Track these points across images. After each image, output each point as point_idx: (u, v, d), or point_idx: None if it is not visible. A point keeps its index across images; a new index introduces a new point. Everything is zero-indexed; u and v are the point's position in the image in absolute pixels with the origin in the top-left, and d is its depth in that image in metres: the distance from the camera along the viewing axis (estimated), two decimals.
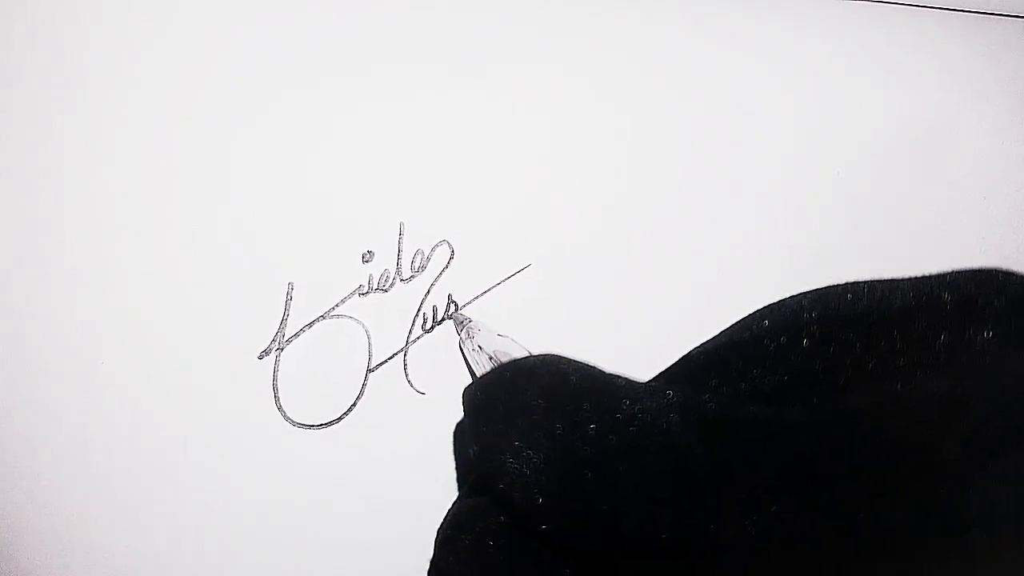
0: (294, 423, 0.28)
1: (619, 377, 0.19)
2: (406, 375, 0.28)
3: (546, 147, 0.31)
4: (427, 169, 0.30)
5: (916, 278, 0.18)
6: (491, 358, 0.24)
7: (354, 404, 0.28)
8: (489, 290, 0.29)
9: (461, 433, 0.21)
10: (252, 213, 0.29)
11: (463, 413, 0.22)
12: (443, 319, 0.29)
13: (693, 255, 0.31)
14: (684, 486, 0.16)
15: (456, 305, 0.29)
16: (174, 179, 0.29)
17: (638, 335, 0.30)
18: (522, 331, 0.28)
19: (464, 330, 0.28)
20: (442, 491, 0.28)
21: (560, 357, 0.20)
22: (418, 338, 0.29)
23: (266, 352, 0.28)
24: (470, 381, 0.22)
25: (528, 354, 0.24)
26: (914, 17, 0.34)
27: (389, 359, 0.28)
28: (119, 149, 0.29)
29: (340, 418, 0.28)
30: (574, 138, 0.31)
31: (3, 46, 0.29)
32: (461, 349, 0.28)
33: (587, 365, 0.20)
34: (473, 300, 0.29)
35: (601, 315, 0.30)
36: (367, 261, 0.29)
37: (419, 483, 0.28)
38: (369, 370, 0.28)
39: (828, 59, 0.33)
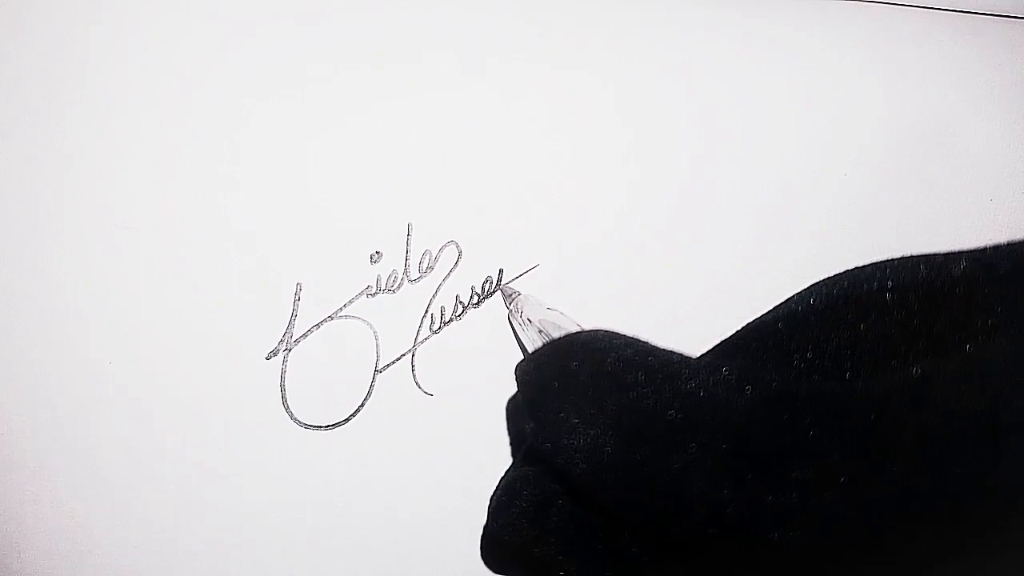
0: (302, 424, 0.28)
1: (674, 352, 0.19)
2: (414, 376, 0.28)
3: (554, 148, 0.31)
4: (435, 170, 0.30)
5: (971, 249, 0.18)
6: (540, 331, 0.24)
7: (362, 405, 0.28)
8: (496, 290, 0.29)
9: (515, 406, 0.21)
10: (260, 214, 0.29)
11: (517, 387, 0.22)
12: (493, 292, 0.29)
13: (699, 255, 0.30)
14: (747, 461, 0.16)
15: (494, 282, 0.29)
16: (182, 179, 0.29)
17: (645, 335, 0.29)
18: None
19: (512, 303, 0.27)
20: (451, 492, 0.28)
21: (613, 332, 0.20)
22: (426, 339, 0.29)
23: (274, 353, 0.28)
24: (520, 356, 0.22)
25: (578, 328, 0.23)
26: (919, 18, 0.34)
27: (397, 360, 0.28)
28: (127, 150, 0.29)
29: (348, 419, 0.28)
30: (582, 138, 0.31)
31: (4, 47, 0.29)
32: (510, 322, 0.28)
33: (639, 340, 0.20)
34: (483, 299, 0.29)
35: (608, 315, 0.30)
36: (375, 262, 0.29)
37: (427, 484, 0.28)
38: (377, 371, 0.28)
39: (833, 60, 0.33)
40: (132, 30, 0.30)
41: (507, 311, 0.28)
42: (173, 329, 0.28)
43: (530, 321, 0.25)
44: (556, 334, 0.23)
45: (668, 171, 0.31)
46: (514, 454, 0.22)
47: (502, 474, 0.22)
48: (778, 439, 0.16)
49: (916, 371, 0.16)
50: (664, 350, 0.19)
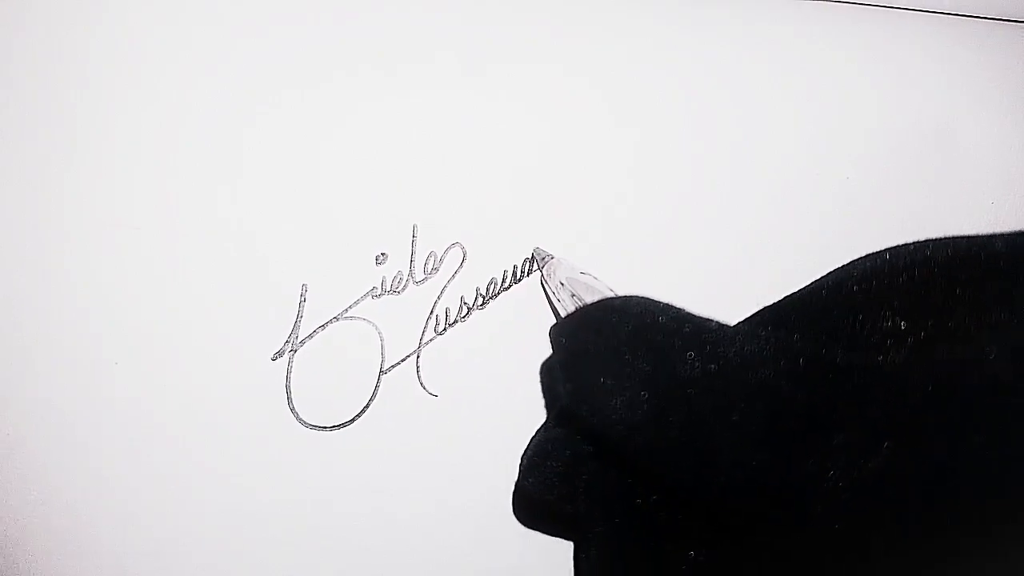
0: (307, 424, 0.28)
1: (710, 319, 0.19)
2: (419, 377, 0.28)
3: (560, 149, 0.31)
4: (441, 171, 0.30)
5: (1002, 233, 0.18)
6: (573, 295, 0.24)
7: (367, 406, 0.28)
8: (501, 291, 0.29)
9: (549, 368, 0.21)
10: (265, 215, 0.29)
11: (551, 350, 0.22)
12: (532, 262, 0.29)
13: (703, 257, 0.31)
14: (786, 429, 0.16)
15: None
16: (186, 180, 0.29)
17: None
18: (536, 331, 0.28)
19: (546, 266, 0.27)
20: (455, 493, 0.28)
21: (648, 298, 0.20)
22: (431, 340, 0.29)
23: (279, 354, 0.28)
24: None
25: (612, 292, 0.24)
26: (922, 22, 0.34)
27: (402, 361, 0.29)
28: (131, 151, 0.29)
29: (353, 420, 0.28)
30: (588, 141, 0.31)
31: (6, 47, 0.29)
32: (543, 285, 0.28)
33: (675, 306, 0.20)
34: (488, 301, 0.29)
35: None
36: (380, 263, 0.29)
37: (432, 485, 0.28)
38: (382, 372, 0.28)
39: (835, 63, 0.33)
40: (134, 31, 0.30)
41: (540, 275, 0.28)
42: (178, 330, 0.28)
43: (563, 284, 0.25)
44: (590, 298, 0.23)
45: (671, 173, 0.31)
46: (548, 412, 0.22)
47: (534, 433, 0.22)
48: (818, 406, 0.16)
49: (951, 347, 0.16)
50: (700, 316, 0.19)
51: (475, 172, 0.30)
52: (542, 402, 0.28)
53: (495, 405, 0.28)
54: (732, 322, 0.31)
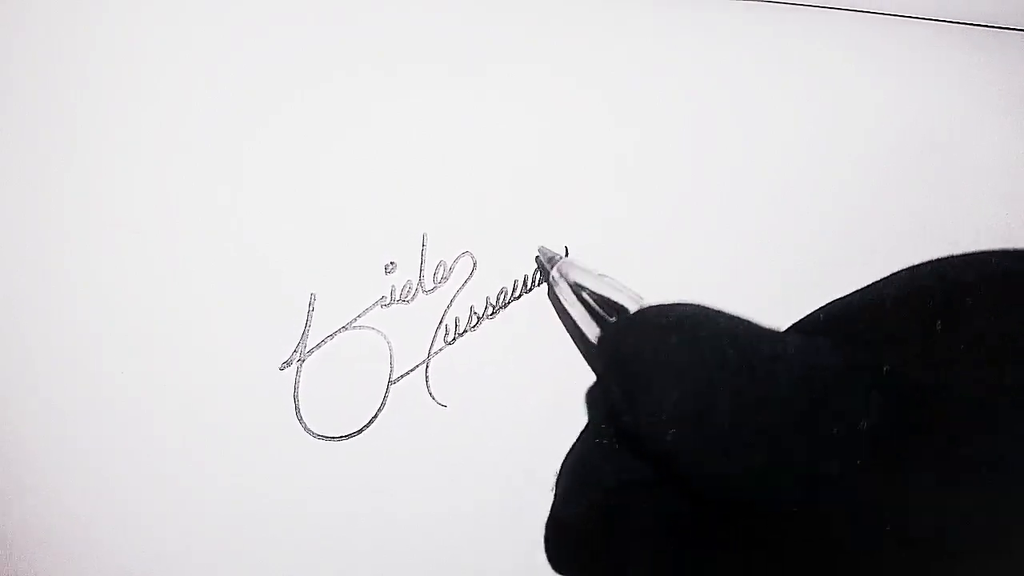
0: (315, 435, 0.28)
1: (768, 329, 0.19)
2: (428, 387, 0.28)
3: (568, 160, 0.30)
4: (450, 179, 0.30)
5: (1013, 249, 0.18)
6: (595, 298, 0.23)
7: (375, 416, 0.28)
8: (512, 301, 0.29)
9: (605, 388, 0.20)
10: (273, 224, 0.29)
11: (600, 355, 0.21)
12: (538, 266, 0.26)
13: (715, 262, 0.30)
14: (857, 450, 0.15)
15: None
16: (193, 188, 0.29)
17: None
18: (546, 339, 0.28)
19: (555, 267, 0.25)
20: (464, 504, 0.28)
21: (697, 304, 0.20)
22: (440, 350, 0.28)
23: (287, 363, 0.28)
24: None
25: (640, 297, 0.23)
26: (929, 30, 0.34)
27: (411, 371, 0.28)
28: (137, 158, 0.29)
29: (361, 430, 0.28)
30: (599, 151, 0.30)
31: (6, 47, 0.29)
32: (551, 292, 0.26)
33: (727, 312, 0.19)
34: (498, 310, 0.29)
35: None
36: (389, 272, 0.29)
37: (440, 495, 0.28)
38: (391, 382, 0.28)
39: (843, 70, 0.33)
40: (134, 31, 0.29)
41: (548, 280, 0.26)
42: (186, 339, 0.28)
43: (580, 286, 0.23)
44: (617, 298, 0.22)
45: (680, 182, 0.31)
46: (593, 436, 0.21)
47: (565, 456, 0.21)
48: (888, 430, 0.15)
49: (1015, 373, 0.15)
50: (757, 325, 0.19)
51: (485, 180, 0.30)
52: (553, 413, 0.28)
53: (505, 416, 0.28)
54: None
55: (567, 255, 0.26)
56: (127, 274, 0.28)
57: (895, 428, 0.15)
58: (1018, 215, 0.33)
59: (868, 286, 0.19)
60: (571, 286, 0.24)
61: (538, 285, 0.29)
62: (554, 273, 0.26)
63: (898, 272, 0.19)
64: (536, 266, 0.29)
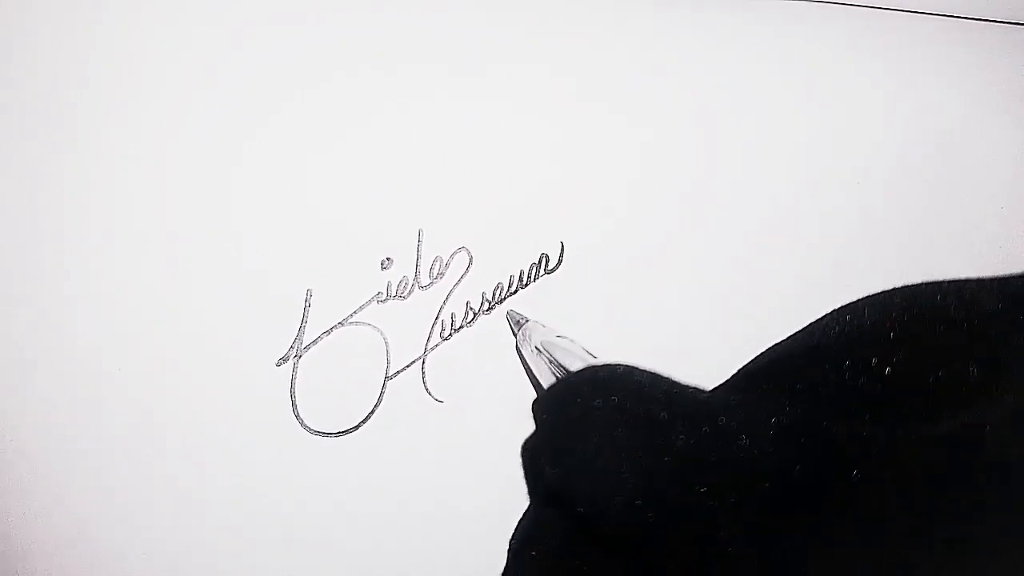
0: (312, 431, 0.28)
1: (698, 389, 0.19)
2: (424, 383, 0.28)
3: (564, 155, 0.30)
4: (446, 176, 0.30)
5: (1001, 278, 0.17)
6: (551, 361, 0.24)
7: (372, 412, 0.28)
8: (508, 296, 0.29)
9: (532, 449, 0.20)
10: (270, 220, 0.29)
11: (535, 425, 0.21)
12: (504, 299, 0.28)
13: (712, 264, 0.30)
14: (788, 506, 0.15)
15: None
16: (191, 186, 0.29)
17: (656, 341, 0.29)
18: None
19: (521, 330, 0.27)
20: (460, 498, 0.28)
21: (631, 366, 0.20)
22: (436, 346, 0.29)
23: (284, 359, 0.28)
24: (531, 390, 0.21)
25: (590, 356, 0.23)
26: (933, 26, 0.34)
27: (407, 367, 0.28)
28: (135, 157, 0.29)
29: (358, 426, 0.28)
30: (594, 146, 0.31)
31: (6, 47, 0.29)
32: (518, 351, 0.28)
33: (659, 374, 0.19)
34: (494, 306, 0.29)
35: (620, 321, 0.29)
36: (385, 268, 0.29)
37: (437, 491, 0.28)
38: (387, 377, 0.28)
39: (847, 68, 0.33)
40: (134, 31, 0.30)
41: (515, 340, 0.28)
42: (183, 336, 0.28)
43: (539, 350, 0.25)
44: (567, 362, 0.22)
45: (678, 181, 0.31)
46: (531, 494, 0.22)
47: (520, 517, 0.21)
48: (823, 483, 0.15)
49: (963, 417, 0.15)
50: (686, 385, 0.19)
51: (481, 176, 0.30)
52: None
53: (501, 411, 0.28)
54: (736, 325, 0.31)
55: (528, 321, 0.28)
56: (125, 272, 0.28)
57: (832, 487, 0.15)
58: (1018, 211, 0.33)
59: (805, 328, 0.19)
60: (532, 348, 0.26)
61: (534, 280, 0.29)
62: (519, 335, 0.27)
63: (833, 312, 0.19)
64: (535, 264, 0.29)
